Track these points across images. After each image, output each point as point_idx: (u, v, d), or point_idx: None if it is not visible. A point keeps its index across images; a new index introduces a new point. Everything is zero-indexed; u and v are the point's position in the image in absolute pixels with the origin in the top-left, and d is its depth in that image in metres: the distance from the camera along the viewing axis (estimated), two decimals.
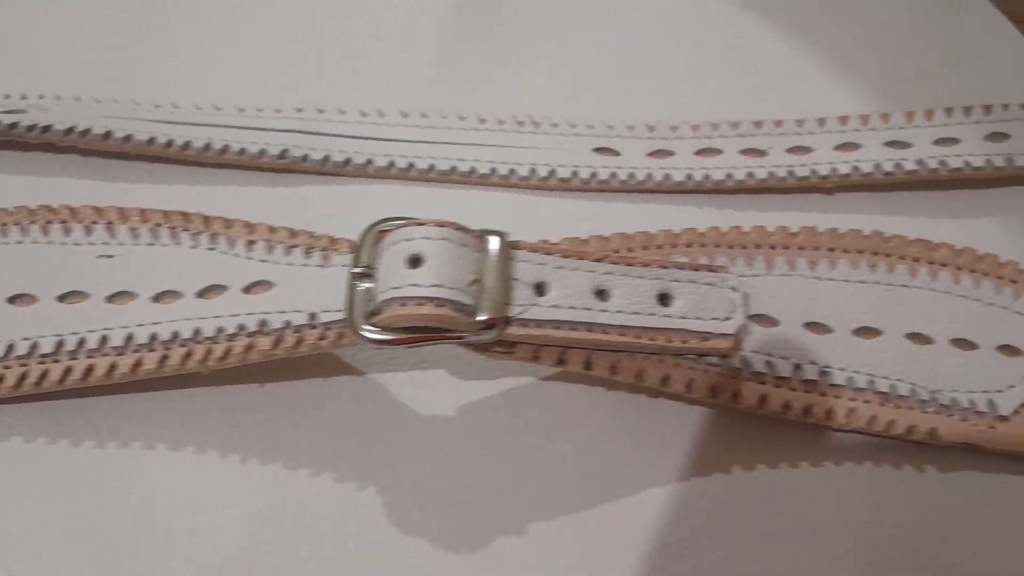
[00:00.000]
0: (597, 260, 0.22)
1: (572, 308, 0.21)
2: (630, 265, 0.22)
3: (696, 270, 0.23)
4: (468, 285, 0.20)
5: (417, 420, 0.24)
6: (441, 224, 0.21)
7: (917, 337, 0.25)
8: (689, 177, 0.28)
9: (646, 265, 0.22)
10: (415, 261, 0.20)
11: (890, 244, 0.26)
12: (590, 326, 0.22)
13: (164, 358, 0.22)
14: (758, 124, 0.29)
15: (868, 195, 0.29)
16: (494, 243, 0.21)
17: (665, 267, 0.23)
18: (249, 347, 0.22)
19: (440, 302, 0.20)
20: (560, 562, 0.22)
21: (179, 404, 0.24)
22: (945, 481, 0.24)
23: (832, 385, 0.24)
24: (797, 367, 0.24)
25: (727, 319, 0.22)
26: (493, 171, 0.28)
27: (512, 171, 0.28)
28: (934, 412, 0.24)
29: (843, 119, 0.29)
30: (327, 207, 0.28)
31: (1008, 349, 0.25)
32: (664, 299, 0.22)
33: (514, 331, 0.21)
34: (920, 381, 0.24)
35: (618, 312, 0.22)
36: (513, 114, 0.29)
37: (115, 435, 0.23)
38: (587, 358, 0.22)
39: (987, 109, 0.29)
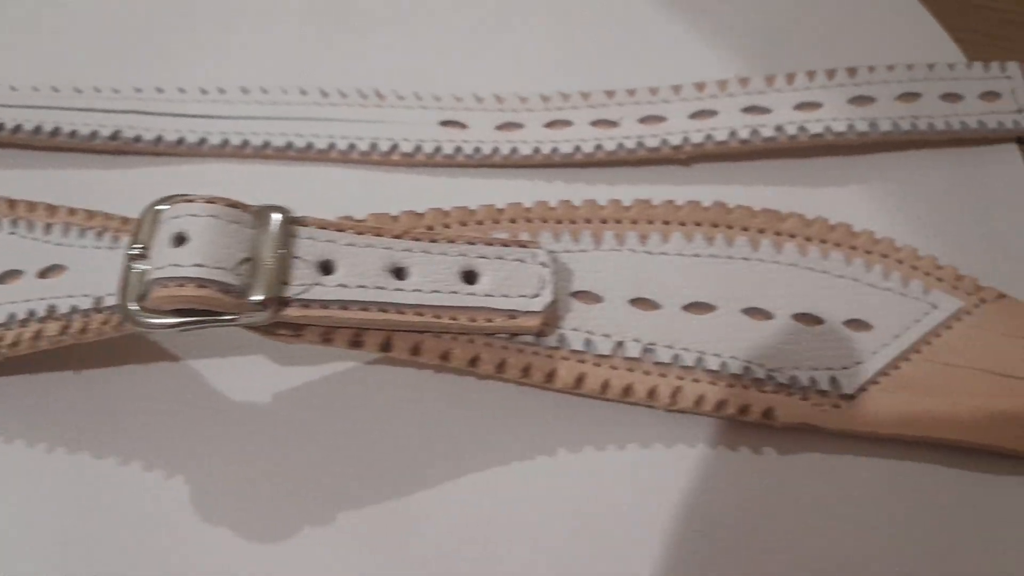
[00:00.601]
0: (396, 237, 0.21)
1: (362, 287, 0.20)
2: (432, 241, 0.21)
3: (506, 246, 0.22)
4: (238, 264, 0.19)
5: (232, 407, 0.23)
6: (210, 200, 0.20)
7: (756, 312, 0.23)
8: (537, 151, 0.27)
9: (450, 241, 0.21)
10: (180, 240, 0.19)
11: (732, 215, 0.24)
12: (382, 306, 0.20)
13: None
14: (610, 94, 0.28)
15: (728, 165, 0.28)
16: (274, 220, 0.20)
17: (471, 243, 0.21)
18: (37, 334, 0.21)
19: (202, 283, 0.19)
20: (367, 548, 0.21)
21: None
22: (787, 463, 0.23)
23: (657, 363, 0.22)
24: (619, 345, 0.22)
25: (536, 296, 0.21)
26: (332, 146, 0.27)
27: (352, 146, 0.27)
28: (771, 392, 0.23)
29: (700, 86, 0.27)
30: (158, 189, 0.26)
31: (856, 324, 0.23)
32: (469, 276, 0.21)
33: (293, 312, 0.20)
34: (757, 359, 0.23)
35: (415, 291, 0.21)
36: (358, 87, 0.28)
37: None
38: (386, 340, 0.21)
39: (851, 72, 0.27)
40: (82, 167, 0.28)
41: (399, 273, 0.21)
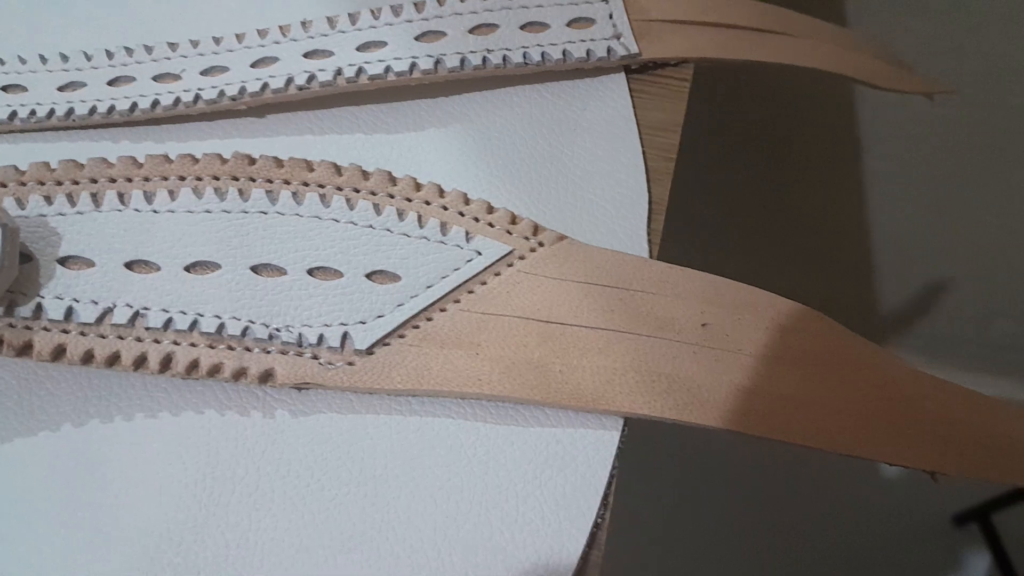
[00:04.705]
0: None
1: None
2: None
3: None
4: None
5: None
6: None
7: (266, 268, 0.22)
8: (94, 110, 0.25)
9: None
10: None
11: (254, 167, 0.23)
12: None
13: None
14: (173, 46, 0.26)
15: (306, 114, 0.26)
16: None
17: None
18: None
19: None
20: None
21: None
22: (301, 427, 0.22)
23: (148, 328, 0.21)
24: (107, 311, 0.21)
25: None
26: None
27: None
28: (276, 352, 0.21)
29: (262, 32, 0.26)
30: None
31: (382, 275, 0.22)
32: None
33: None
34: (262, 318, 0.21)
35: None
36: None
37: None
38: None
39: (419, 7, 0.26)
40: None
41: None
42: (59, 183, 0.23)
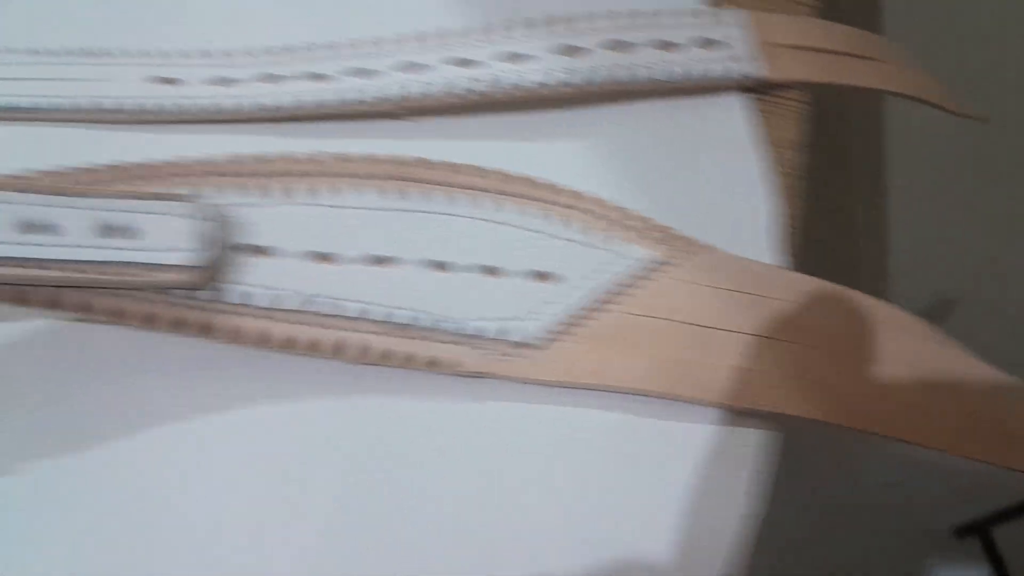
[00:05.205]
0: (24, 191, 0.20)
1: None
2: (65, 195, 0.21)
3: (150, 198, 0.21)
4: None
5: None
6: None
7: (435, 265, 0.23)
8: (245, 105, 0.26)
9: (87, 195, 0.21)
10: None
11: (409, 169, 0.24)
12: (19, 262, 0.20)
13: None
14: (321, 47, 0.27)
15: (449, 120, 0.27)
16: None
17: (115, 196, 0.21)
18: None
19: None
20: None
21: None
22: (475, 411, 0.24)
23: (320, 315, 0.22)
24: (279, 297, 0.22)
25: (188, 249, 0.21)
26: (47, 106, 0.26)
27: (62, 105, 0.26)
28: (443, 341, 0.23)
29: (412, 38, 0.27)
30: None
31: (541, 275, 0.24)
32: (114, 230, 0.21)
33: None
34: (429, 309, 0.23)
35: (56, 246, 0.20)
36: (63, 45, 0.27)
37: None
38: (20, 294, 0.21)
39: (565, 21, 0.27)
40: None
41: (37, 228, 0.20)
42: (252, 175, 0.24)
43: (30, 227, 0.20)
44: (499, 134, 0.27)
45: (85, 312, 0.22)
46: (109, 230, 0.21)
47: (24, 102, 0.27)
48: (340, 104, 0.27)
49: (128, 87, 0.27)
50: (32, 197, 0.21)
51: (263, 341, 0.22)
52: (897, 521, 0.76)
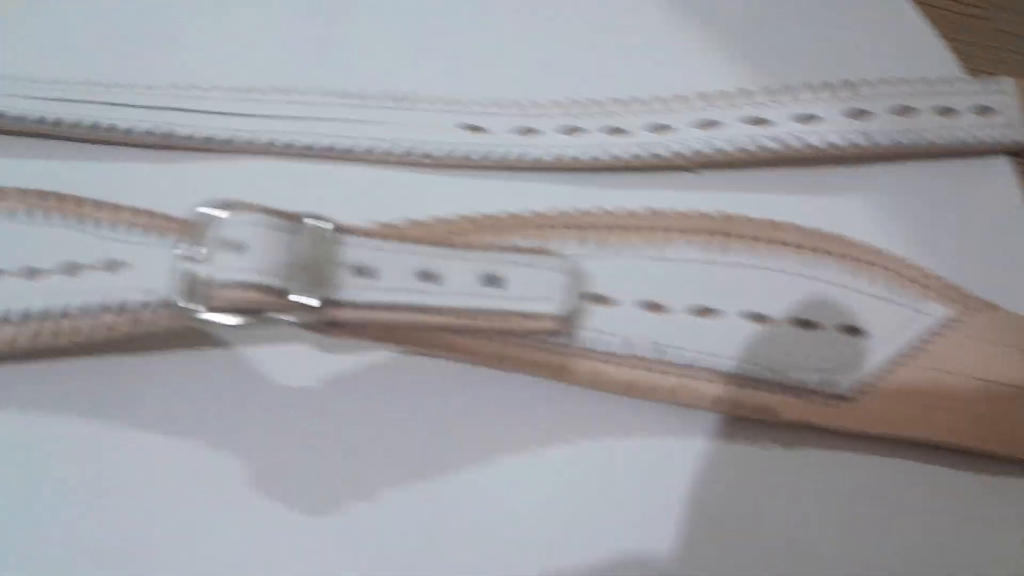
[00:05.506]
0: (422, 243, 0.23)
1: (397, 290, 0.22)
2: (456, 247, 0.23)
3: (528, 253, 0.23)
4: (291, 270, 0.21)
5: (279, 393, 0.25)
6: (261, 210, 0.22)
7: (756, 317, 0.25)
8: (554, 156, 0.28)
9: (474, 247, 0.23)
10: (238, 247, 0.21)
11: (734, 224, 0.26)
12: (416, 308, 0.22)
13: (36, 334, 0.23)
14: (621, 102, 0.29)
15: (732, 173, 0.29)
16: (317, 227, 0.22)
17: (493, 249, 0.23)
18: (111, 326, 0.23)
19: (261, 287, 0.21)
20: (402, 531, 0.24)
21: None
22: (788, 458, 0.25)
23: (662, 362, 0.24)
24: (629, 345, 0.24)
25: (555, 300, 0.23)
26: (356, 146, 0.29)
27: (374, 147, 0.28)
28: (769, 391, 0.25)
29: (705, 96, 0.29)
30: (192, 184, 0.28)
31: (851, 330, 0.25)
32: (492, 281, 0.23)
33: (339, 313, 0.22)
34: (755, 360, 0.25)
35: (445, 294, 0.23)
36: (382, 89, 0.29)
37: None
38: (419, 337, 0.23)
39: (850, 86, 0.29)
40: (116, 160, 0.29)
41: (429, 277, 0.23)
42: (580, 227, 0.26)
43: (426, 275, 0.23)
44: (783, 188, 0.29)
45: (444, 352, 0.24)
46: (489, 280, 0.23)
47: (344, 143, 0.29)
48: (635, 158, 0.29)
49: (441, 133, 0.29)
50: (430, 248, 0.23)
51: (604, 383, 0.24)
52: None
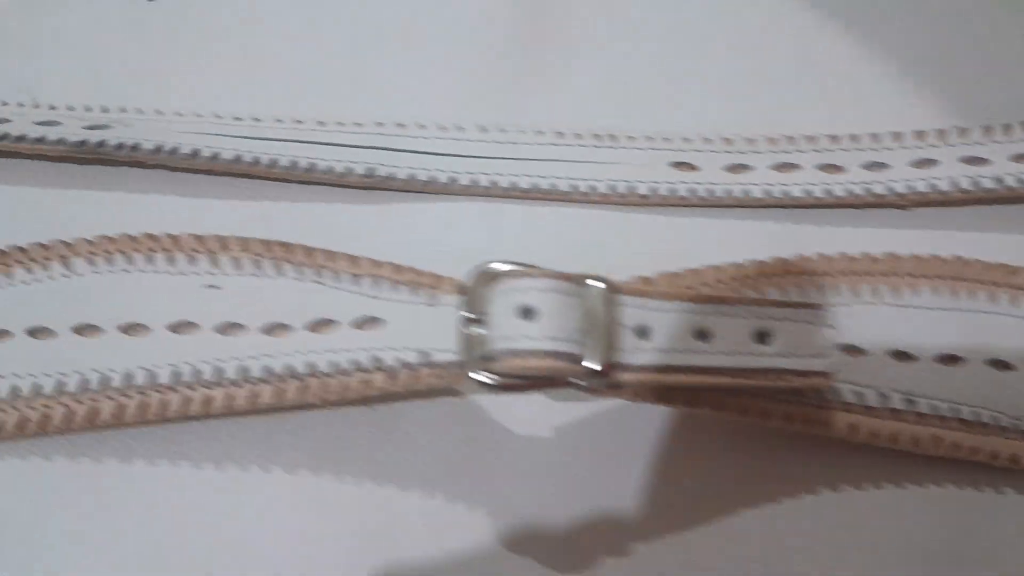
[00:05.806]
0: (694, 300, 0.23)
1: (675, 351, 0.22)
2: (727, 304, 0.23)
3: (795, 307, 0.23)
4: (578, 335, 0.21)
5: (515, 440, 0.25)
6: (551, 275, 0.21)
7: (998, 364, 0.25)
8: (768, 193, 0.28)
9: (743, 303, 0.23)
10: (527, 312, 0.21)
11: (971, 269, 0.26)
12: (692, 368, 0.22)
13: (280, 392, 0.23)
14: (834, 139, 0.29)
15: (944, 210, 0.29)
16: (598, 289, 0.22)
17: (761, 305, 0.23)
18: (365, 383, 0.23)
19: (554, 355, 0.21)
20: None
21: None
22: None
23: (918, 414, 0.24)
24: (883, 396, 0.24)
25: (822, 356, 0.23)
26: (574, 188, 0.28)
27: (592, 188, 0.28)
28: (1016, 439, 0.25)
29: (920, 134, 0.29)
30: (414, 226, 0.28)
31: None
32: (762, 337, 0.23)
33: (621, 376, 0.22)
34: (1002, 408, 0.25)
35: (718, 353, 0.23)
36: (589, 128, 0.29)
37: (228, 459, 0.25)
38: (693, 397, 0.23)
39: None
40: (331, 200, 0.29)
41: (702, 336, 0.23)
42: (824, 274, 0.26)
43: (700, 334, 0.23)
44: (995, 224, 0.29)
45: (716, 410, 0.24)
46: (760, 336, 0.23)
47: (544, 184, 0.29)
48: (849, 194, 0.29)
49: (657, 171, 0.29)
50: (703, 307, 0.23)
51: (873, 437, 0.24)
52: None
